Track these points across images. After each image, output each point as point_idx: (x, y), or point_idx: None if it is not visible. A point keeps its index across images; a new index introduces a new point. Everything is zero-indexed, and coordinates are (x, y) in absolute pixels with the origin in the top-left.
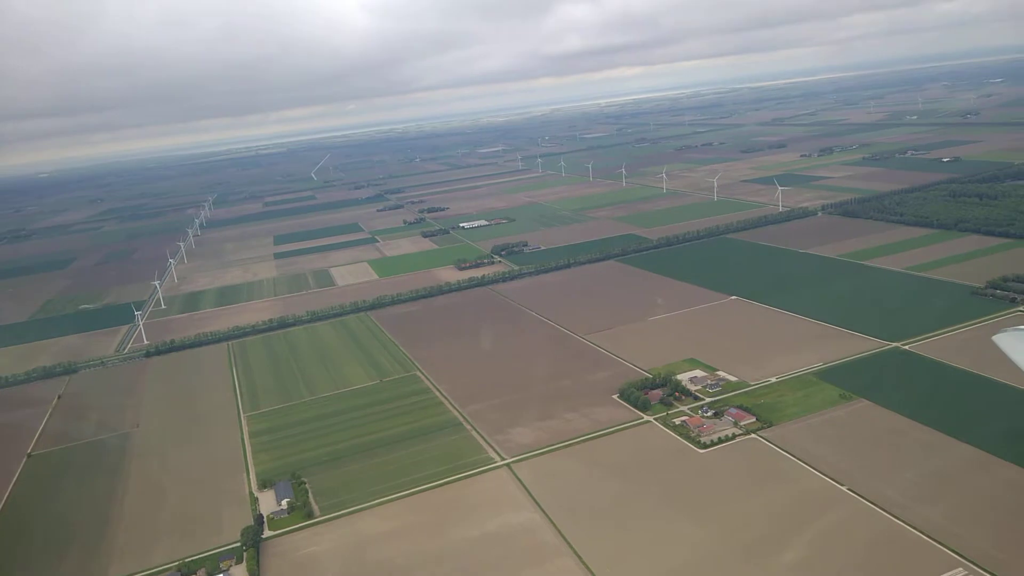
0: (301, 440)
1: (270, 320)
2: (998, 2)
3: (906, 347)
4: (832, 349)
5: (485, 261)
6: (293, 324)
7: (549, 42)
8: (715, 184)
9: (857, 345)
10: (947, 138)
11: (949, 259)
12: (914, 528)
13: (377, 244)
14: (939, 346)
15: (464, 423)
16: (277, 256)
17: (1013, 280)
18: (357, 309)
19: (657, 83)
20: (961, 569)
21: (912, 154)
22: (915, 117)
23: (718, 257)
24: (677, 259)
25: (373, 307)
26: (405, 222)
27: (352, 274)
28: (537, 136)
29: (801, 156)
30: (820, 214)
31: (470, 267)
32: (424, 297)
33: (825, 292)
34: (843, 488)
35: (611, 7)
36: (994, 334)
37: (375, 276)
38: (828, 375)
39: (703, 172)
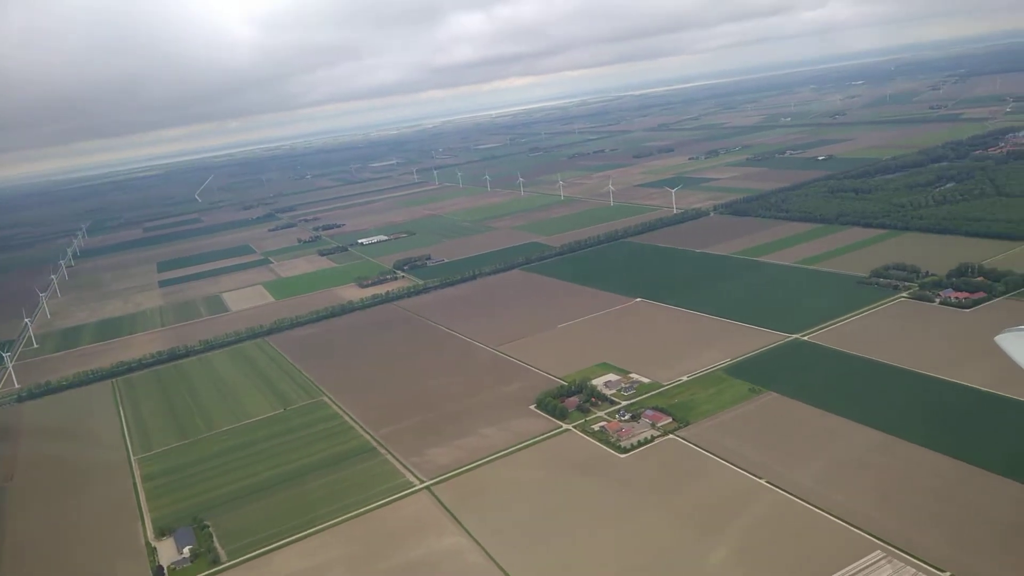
0: (201, 480)
1: (159, 352)
2: (857, 10)
3: (805, 338)
4: (737, 345)
5: (388, 277)
6: (185, 355)
7: (440, 53)
8: (611, 189)
9: (760, 339)
10: (820, 138)
11: (834, 252)
12: (831, 515)
13: (271, 265)
14: (835, 335)
15: (378, 448)
16: (162, 284)
17: (894, 268)
18: (254, 335)
19: (545, 93)
20: (879, 551)
21: (790, 154)
22: (789, 119)
23: (620, 261)
24: (580, 265)
25: (271, 332)
26: (300, 241)
27: (246, 298)
28: (431, 148)
29: (689, 159)
30: (712, 214)
31: (372, 284)
32: (326, 318)
33: (724, 289)
34: (761, 481)
35: (501, 16)
36: (996, 335)
37: (271, 299)
38: (736, 370)
39: (598, 178)
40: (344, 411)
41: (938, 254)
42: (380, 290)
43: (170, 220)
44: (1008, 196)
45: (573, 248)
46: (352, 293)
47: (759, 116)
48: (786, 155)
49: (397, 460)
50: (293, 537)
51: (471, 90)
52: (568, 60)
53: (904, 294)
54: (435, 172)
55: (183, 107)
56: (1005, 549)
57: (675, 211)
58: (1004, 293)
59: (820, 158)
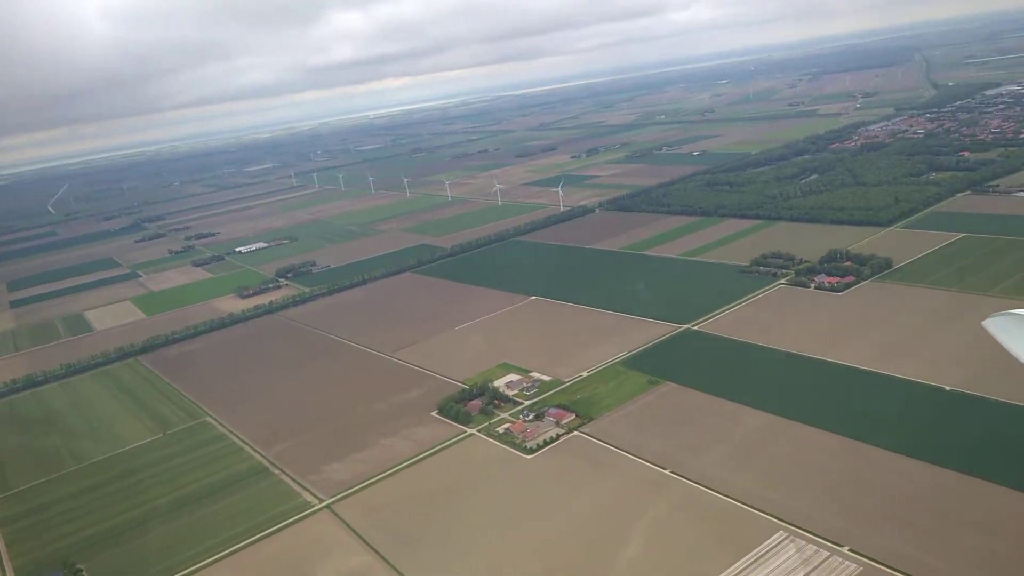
0: (71, 519)
1: (13, 380)
2: (718, 12)
3: (695, 328)
4: (632, 337)
5: (270, 286)
6: (44, 382)
7: (316, 53)
8: (498, 189)
9: (653, 331)
10: (692, 134)
11: (715, 243)
12: (735, 500)
13: (140, 279)
14: (723, 323)
15: (271, 468)
16: (14, 304)
17: (771, 256)
18: (125, 355)
19: (423, 93)
20: (782, 532)
21: (666, 150)
22: (663, 116)
23: (512, 260)
24: (473, 265)
25: (144, 350)
26: (171, 252)
27: (113, 316)
28: (308, 151)
29: (572, 157)
30: (598, 211)
31: (254, 294)
32: (205, 332)
33: (615, 284)
34: (666, 472)
35: (380, 15)
36: (983, 319)
37: (142, 315)
38: (633, 363)
39: (484, 178)
40: (231, 431)
41: (809, 241)
42: (263, 300)
43: (19, 235)
44: (865, 185)
45: (465, 248)
46: (232, 305)
47: (634, 114)
48: (663, 151)
49: (292, 480)
50: (181, 573)
51: (348, 91)
52: (447, 60)
53: (783, 281)
54: (315, 175)
55: (34, 111)
56: (897, 520)
57: (562, 209)
58: (870, 276)
59: (695, 154)
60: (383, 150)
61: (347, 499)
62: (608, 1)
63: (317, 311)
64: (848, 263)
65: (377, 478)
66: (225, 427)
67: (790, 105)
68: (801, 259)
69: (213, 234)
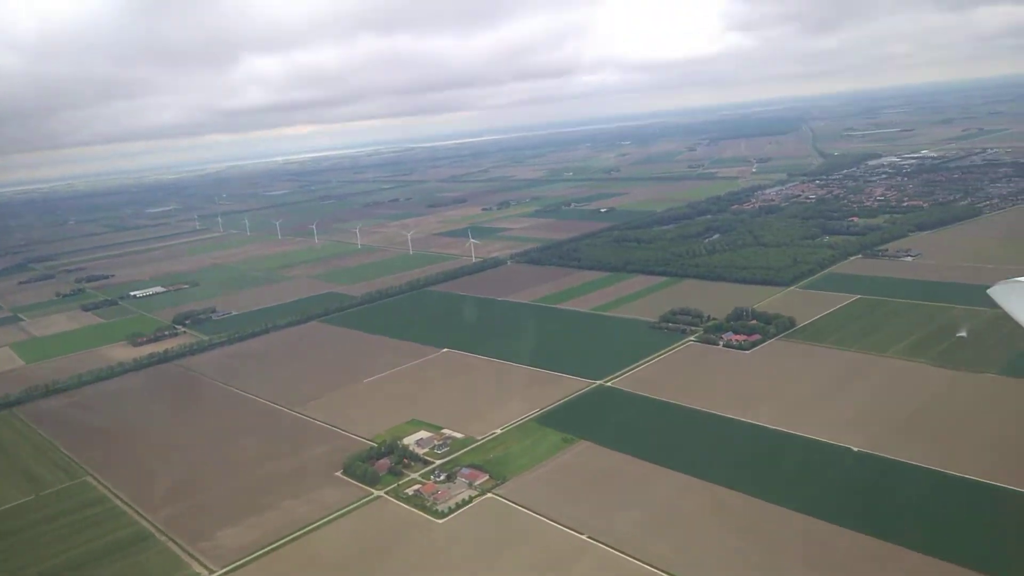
0: None
1: None
2: (625, 78)
3: (609, 384)
4: (546, 393)
5: (166, 333)
6: None
7: (229, 96)
8: (409, 238)
9: (567, 387)
10: (599, 191)
11: (625, 298)
12: (652, 567)
13: (22, 323)
14: (636, 380)
15: (156, 534)
16: None
17: (680, 313)
18: None
19: (334, 141)
20: None
21: (575, 206)
22: (571, 174)
23: (423, 310)
24: (383, 315)
25: (21, 402)
26: (59, 294)
27: None
28: (214, 194)
29: (483, 210)
30: (509, 263)
31: (148, 342)
32: (91, 382)
33: (528, 337)
34: (583, 537)
35: (298, 61)
36: (988, 287)
37: (21, 363)
38: (547, 420)
39: (395, 227)
40: (113, 492)
41: (715, 299)
42: (157, 348)
43: None
44: (766, 246)
45: (375, 298)
46: (124, 353)
47: (543, 170)
48: (571, 207)
49: (180, 547)
50: None
51: (259, 136)
52: (361, 110)
53: (692, 338)
54: (219, 219)
55: None
56: None
57: (474, 260)
58: (775, 334)
59: (602, 210)
60: (292, 195)
61: (242, 569)
62: (522, 61)
63: (216, 361)
64: (754, 321)
65: (276, 545)
66: (107, 488)
67: (690, 167)
68: (709, 316)
69: (107, 277)
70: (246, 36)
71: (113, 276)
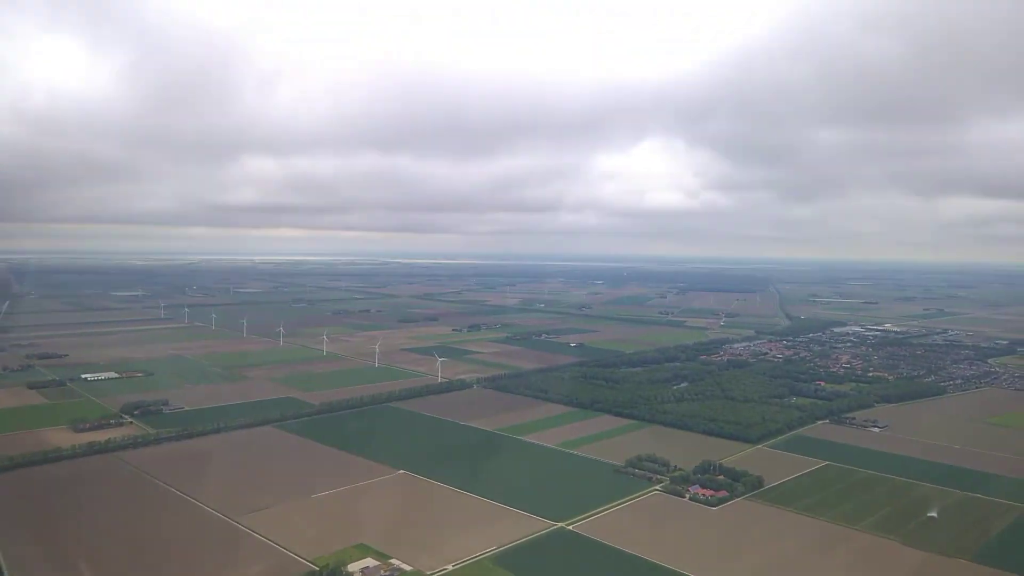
0: None
1: None
2: (604, 221)
3: (570, 527)
4: (504, 530)
5: (112, 422)
6: None
7: (221, 191)
8: (377, 350)
9: (526, 526)
10: (570, 325)
11: (591, 437)
12: None
13: None
14: (598, 526)
15: None
16: None
17: (647, 460)
18: None
19: (313, 247)
20: None
21: (545, 337)
22: (543, 305)
23: (383, 426)
24: (341, 427)
25: None
26: (6, 368)
27: None
28: (184, 284)
29: (453, 330)
30: (475, 386)
31: (91, 429)
32: (18, 467)
33: (490, 468)
34: None
35: (298, 167)
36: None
37: None
38: (503, 560)
39: (363, 338)
40: None
41: (682, 449)
42: (99, 436)
43: None
44: (734, 400)
45: (334, 408)
46: (62, 437)
47: (516, 299)
48: (542, 338)
49: None
50: None
51: (240, 233)
52: (347, 220)
53: (657, 487)
54: (186, 310)
55: None
56: None
57: (440, 379)
58: (743, 493)
59: (572, 344)
60: (264, 295)
61: None
62: (510, 194)
63: (160, 457)
64: (721, 476)
65: None
66: None
67: (660, 313)
68: (676, 466)
69: (60, 356)
70: (249, 138)
71: (67, 356)
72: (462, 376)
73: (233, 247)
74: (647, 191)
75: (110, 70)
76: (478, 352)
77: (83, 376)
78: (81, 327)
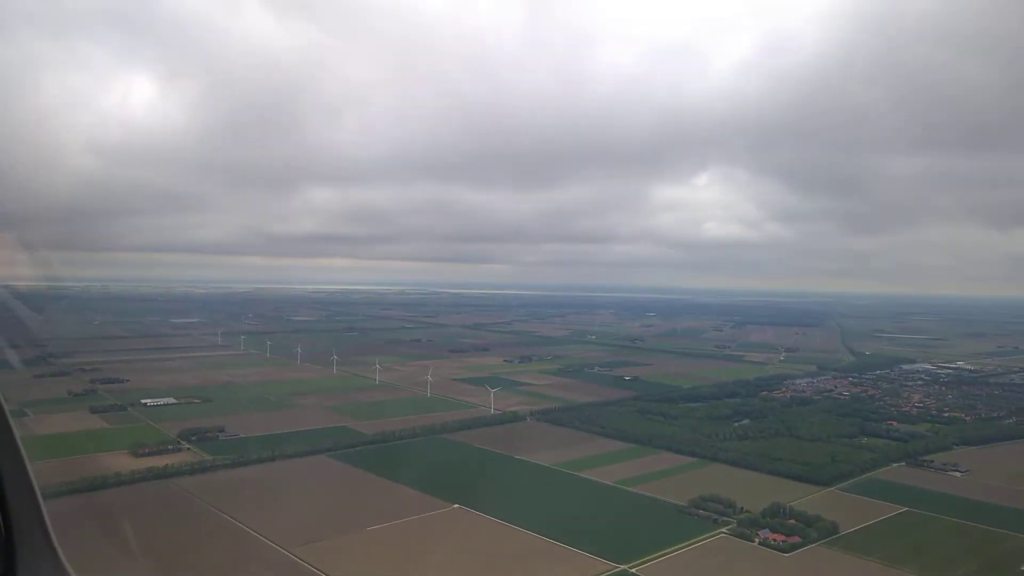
0: None
1: None
2: (658, 252)
3: (634, 570)
4: (566, 571)
5: (170, 448)
6: None
7: (280, 221)
8: (429, 380)
9: (589, 566)
10: (623, 358)
11: (652, 474)
12: None
13: (26, 419)
14: (665, 569)
15: None
16: None
17: (711, 500)
18: None
19: (362, 276)
20: None
21: (599, 370)
22: (595, 337)
23: (436, 458)
24: (394, 458)
25: None
26: (71, 393)
27: None
28: (240, 313)
29: (504, 361)
30: (529, 419)
31: (150, 454)
32: (80, 491)
33: (547, 504)
34: None
35: (356, 197)
36: None
37: None
38: None
39: (415, 367)
40: None
41: (747, 489)
42: (158, 462)
43: None
44: (800, 439)
45: (387, 438)
46: (122, 462)
47: (567, 330)
48: (595, 370)
49: None
50: None
51: (293, 263)
52: (399, 250)
53: (724, 529)
54: (242, 337)
55: None
56: None
57: (493, 411)
58: (818, 539)
59: (626, 378)
60: (316, 323)
61: None
62: (566, 225)
63: (215, 483)
64: (792, 520)
65: None
66: None
67: (716, 347)
68: (742, 507)
69: (122, 380)
70: (312, 168)
71: (128, 381)
72: (515, 408)
73: (285, 276)
74: (705, 221)
75: (181, 102)
76: (530, 384)
77: (143, 401)
78: (141, 353)
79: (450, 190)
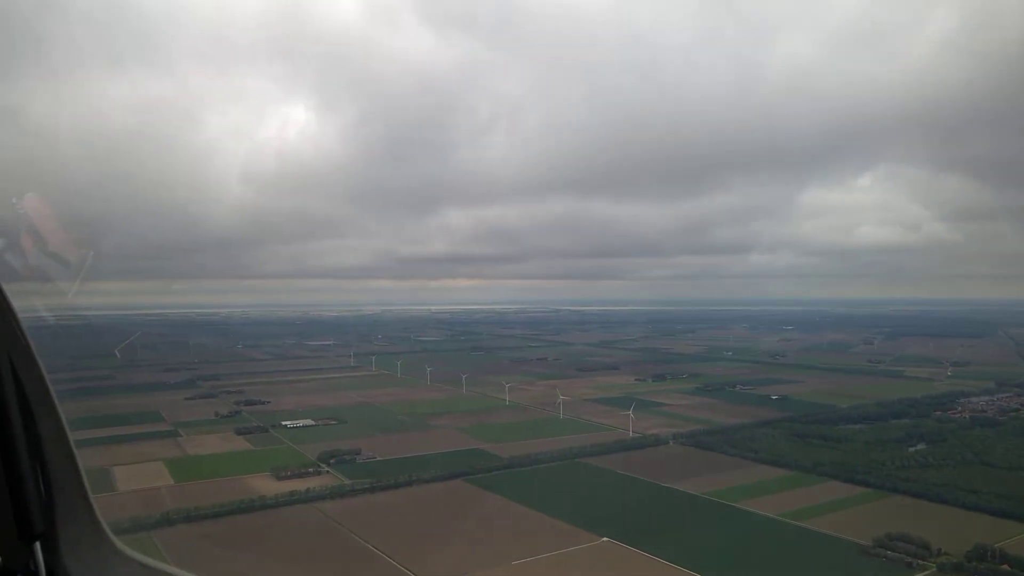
0: None
1: None
2: (797, 261)
3: None
4: None
5: (310, 471)
6: None
7: (412, 244)
8: (560, 401)
9: None
10: (766, 376)
11: (821, 507)
12: None
13: (179, 439)
14: None
15: None
16: None
17: (899, 539)
18: (138, 527)
19: (485, 296)
20: None
21: (741, 388)
22: (731, 353)
23: (577, 485)
24: (533, 484)
25: (159, 525)
26: (217, 414)
27: (141, 476)
28: (370, 334)
29: (636, 380)
30: (671, 443)
31: (291, 477)
32: (228, 514)
33: (705, 539)
34: None
35: (486, 216)
36: None
37: (170, 480)
38: None
39: (543, 387)
40: None
41: (940, 526)
42: (299, 485)
43: (78, 374)
44: (994, 467)
45: (523, 462)
46: (266, 485)
47: (699, 347)
48: (737, 389)
49: None
50: None
51: (419, 284)
52: (526, 269)
53: (921, 574)
54: (373, 358)
55: (132, 260)
56: None
57: (631, 434)
58: None
59: (773, 397)
60: (443, 343)
61: None
62: (700, 236)
63: (355, 509)
64: (1006, 566)
65: None
66: None
67: (869, 362)
68: (939, 549)
69: (263, 402)
70: (451, 190)
71: (269, 403)
72: (655, 431)
73: (410, 297)
74: (857, 226)
75: (335, 130)
76: (668, 404)
77: (283, 423)
78: (280, 374)
79: (585, 205)
